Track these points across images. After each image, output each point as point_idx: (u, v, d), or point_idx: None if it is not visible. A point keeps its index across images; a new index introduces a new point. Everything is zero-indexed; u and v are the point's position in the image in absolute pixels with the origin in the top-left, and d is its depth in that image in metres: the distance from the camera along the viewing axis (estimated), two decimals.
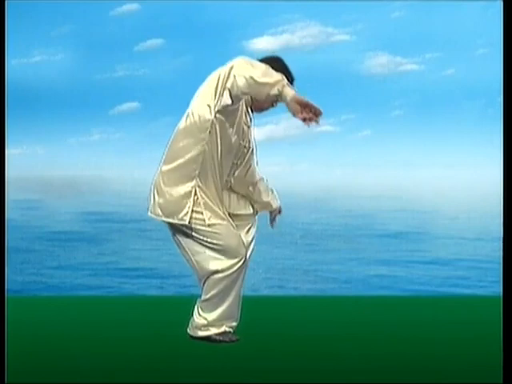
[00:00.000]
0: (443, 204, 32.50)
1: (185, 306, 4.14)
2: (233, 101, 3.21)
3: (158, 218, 3.47)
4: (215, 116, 3.27)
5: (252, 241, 3.60)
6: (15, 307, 3.76)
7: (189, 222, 3.39)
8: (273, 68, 3.18)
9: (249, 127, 3.49)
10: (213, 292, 3.50)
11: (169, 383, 3.16)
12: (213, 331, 3.52)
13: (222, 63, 3.33)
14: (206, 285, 3.52)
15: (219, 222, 3.43)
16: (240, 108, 3.36)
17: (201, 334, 3.55)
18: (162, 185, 3.42)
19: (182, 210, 3.39)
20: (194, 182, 3.37)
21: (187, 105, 3.45)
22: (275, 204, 3.70)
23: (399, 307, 4.65)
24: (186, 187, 3.37)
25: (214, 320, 3.52)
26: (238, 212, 3.57)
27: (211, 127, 3.29)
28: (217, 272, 3.46)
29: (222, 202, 3.48)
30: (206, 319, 3.53)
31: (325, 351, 3.57)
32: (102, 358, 3.44)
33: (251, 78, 3.05)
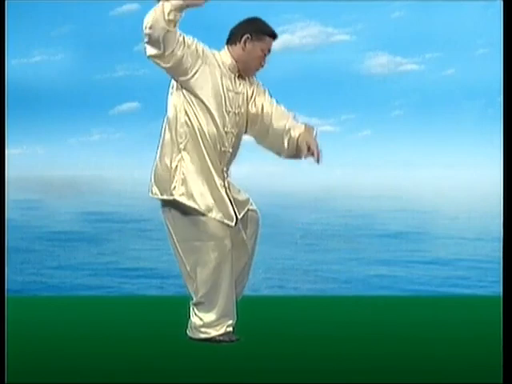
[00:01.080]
0: (443, 204, 32.49)
1: (185, 306, 4.13)
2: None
3: (153, 196, 3.48)
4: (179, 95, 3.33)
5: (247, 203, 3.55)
6: (15, 307, 3.76)
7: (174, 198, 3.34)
8: (242, 24, 3.37)
9: (237, 93, 3.40)
10: (203, 291, 3.46)
11: (169, 383, 3.16)
12: (213, 333, 3.48)
13: None
14: (193, 285, 3.49)
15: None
16: (210, 78, 3.31)
17: (201, 336, 3.51)
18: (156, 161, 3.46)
19: (171, 185, 3.36)
20: (180, 155, 3.34)
21: None
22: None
23: (399, 307, 4.65)
24: (174, 161, 3.35)
25: (212, 321, 3.47)
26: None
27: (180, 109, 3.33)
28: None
29: (218, 174, 3.40)
30: (201, 319, 3.49)
31: (325, 351, 3.57)
32: (101, 358, 3.44)
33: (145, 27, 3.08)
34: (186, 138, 3.30)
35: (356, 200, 34.00)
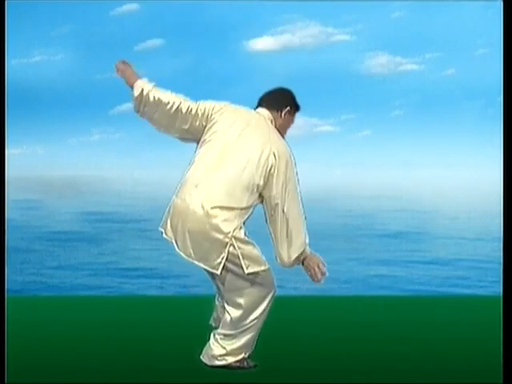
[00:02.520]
0: (443, 204, 32.50)
1: (185, 306, 4.15)
2: None
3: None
4: None
5: None
6: (15, 307, 3.76)
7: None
8: (279, 95, 3.38)
9: None
10: (241, 328, 3.30)
11: (169, 383, 3.16)
12: (230, 360, 3.31)
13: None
14: (232, 319, 3.29)
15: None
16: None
17: (218, 363, 3.32)
18: None
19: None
20: None
21: None
22: None
23: (399, 307, 4.65)
24: None
25: (234, 349, 3.32)
26: None
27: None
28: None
29: None
30: (224, 349, 3.32)
31: (325, 351, 3.57)
32: (102, 358, 3.45)
33: None
34: None
35: (356, 200, 34.02)
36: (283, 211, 3.24)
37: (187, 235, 3.24)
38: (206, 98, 3.41)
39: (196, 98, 3.40)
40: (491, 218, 17.27)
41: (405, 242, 18.55)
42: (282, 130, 3.39)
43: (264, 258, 3.26)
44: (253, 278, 3.22)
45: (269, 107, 3.37)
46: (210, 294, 3.62)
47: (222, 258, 3.16)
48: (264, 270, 3.23)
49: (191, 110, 3.31)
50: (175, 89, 3.44)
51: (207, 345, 3.36)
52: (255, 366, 3.32)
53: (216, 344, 3.32)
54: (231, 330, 3.29)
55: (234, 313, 3.27)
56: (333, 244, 17.68)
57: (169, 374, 3.23)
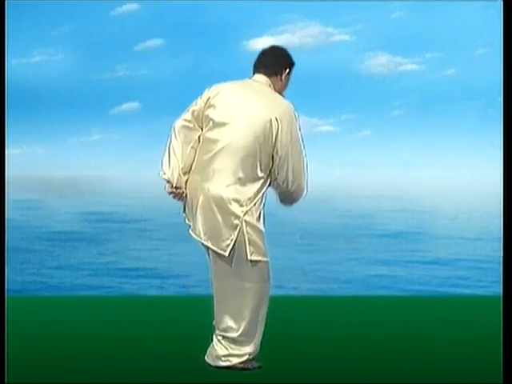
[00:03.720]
0: (443, 204, 32.48)
1: (185, 306, 4.15)
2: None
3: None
4: None
5: None
6: (15, 307, 3.77)
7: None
8: (275, 57, 3.30)
9: None
10: (250, 328, 3.29)
11: (169, 383, 3.16)
12: (234, 361, 3.30)
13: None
14: (240, 322, 3.27)
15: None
16: None
17: (222, 364, 3.31)
18: None
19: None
20: None
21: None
22: None
23: (399, 307, 4.65)
24: None
25: (238, 351, 3.31)
26: None
27: None
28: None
29: None
30: (228, 349, 3.31)
31: (325, 351, 3.57)
32: (101, 358, 3.45)
33: None
34: None
35: (356, 200, 34.00)
36: (287, 167, 3.22)
37: (199, 215, 3.23)
38: None
39: (196, 97, 3.39)
40: (491, 217, 17.26)
41: (405, 242, 18.54)
42: (281, 92, 3.34)
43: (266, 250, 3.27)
44: (252, 267, 3.21)
45: (266, 73, 3.31)
46: (209, 294, 3.62)
47: (231, 241, 3.16)
48: (265, 262, 3.25)
49: (197, 115, 3.29)
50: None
51: (211, 345, 3.36)
52: (260, 367, 3.31)
53: (219, 345, 3.32)
54: (233, 333, 3.29)
55: (234, 316, 3.27)
56: (333, 244, 17.68)
57: (169, 374, 3.23)
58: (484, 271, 13.32)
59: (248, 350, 3.32)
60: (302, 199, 3.35)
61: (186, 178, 3.26)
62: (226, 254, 3.18)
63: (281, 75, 3.32)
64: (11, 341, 3.13)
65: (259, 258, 3.21)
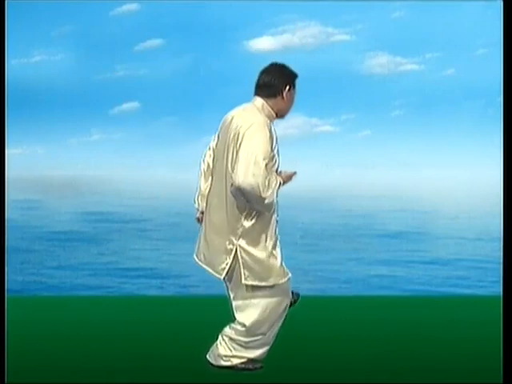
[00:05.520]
0: (443, 204, 32.46)
1: (185, 306, 4.14)
2: None
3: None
4: None
5: None
6: (15, 307, 3.76)
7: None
8: (273, 78, 3.26)
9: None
10: (252, 338, 3.31)
11: (169, 383, 3.16)
12: (235, 362, 3.33)
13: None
14: (241, 327, 3.31)
15: None
16: None
17: (223, 363, 3.34)
18: None
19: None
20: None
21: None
22: None
23: (399, 307, 4.65)
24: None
25: (241, 353, 3.34)
26: None
27: None
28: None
29: None
30: (231, 350, 3.33)
31: (325, 351, 3.57)
32: (102, 358, 3.45)
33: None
34: None
35: (356, 200, 33.98)
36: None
37: (203, 240, 3.35)
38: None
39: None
40: (491, 217, 17.24)
41: (405, 242, 18.53)
42: (287, 108, 3.32)
43: (276, 273, 3.26)
44: (254, 290, 3.25)
45: (264, 95, 3.29)
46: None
47: (226, 265, 3.22)
48: (266, 286, 3.24)
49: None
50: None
51: (214, 344, 3.37)
52: (261, 367, 3.32)
53: (223, 344, 3.34)
54: (241, 336, 3.31)
55: (242, 321, 3.30)
56: (333, 244, 17.68)
57: (169, 374, 3.23)
58: (484, 271, 13.32)
59: (252, 355, 3.33)
60: (255, 195, 3.08)
61: (203, 204, 3.38)
62: (222, 277, 3.25)
63: (281, 94, 3.27)
64: (11, 341, 3.13)
65: (255, 283, 3.22)
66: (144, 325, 4.02)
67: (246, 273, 3.20)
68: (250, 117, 3.20)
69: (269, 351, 3.39)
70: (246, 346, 3.31)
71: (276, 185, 3.13)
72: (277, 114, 3.30)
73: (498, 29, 3.10)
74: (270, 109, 3.27)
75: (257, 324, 3.27)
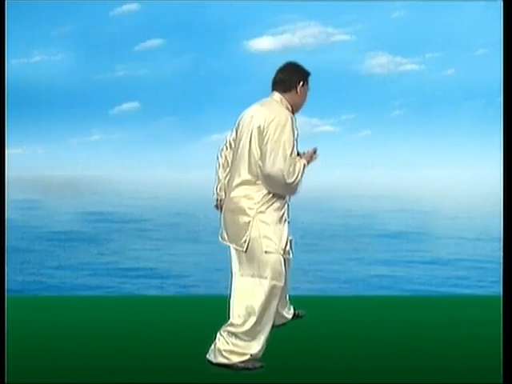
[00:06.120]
0: (443, 204, 32.49)
1: (185, 306, 4.14)
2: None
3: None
4: None
5: None
6: (15, 307, 3.76)
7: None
8: (289, 74, 3.56)
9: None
10: (250, 326, 3.35)
11: (169, 383, 3.16)
12: (234, 359, 3.34)
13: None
14: (242, 316, 3.35)
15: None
16: None
17: (222, 360, 3.35)
18: None
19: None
20: None
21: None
22: None
23: (399, 307, 4.65)
24: None
25: (240, 349, 3.34)
26: None
27: None
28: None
29: None
30: (229, 345, 3.34)
31: (325, 351, 3.57)
32: (101, 358, 3.45)
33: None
34: None
35: (356, 200, 34.01)
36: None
37: (223, 220, 3.54)
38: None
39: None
40: (491, 217, 17.26)
41: (405, 242, 18.55)
42: (302, 102, 3.61)
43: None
44: (267, 261, 3.39)
45: (281, 90, 3.57)
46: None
47: (247, 237, 3.39)
48: (278, 258, 3.44)
49: (232, 140, 3.63)
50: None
51: (214, 342, 3.39)
52: (261, 366, 3.32)
53: (222, 339, 3.37)
54: (238, 328, 3.34)
55: (244, 311, 3.35)
56: (333, 244, 17.69)
57: (169, 374, 3.23)
58: (484, 271, 13.33)
59: (250, 350, 3.34)
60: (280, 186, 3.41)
61: (222, 192, 3.64)
62: (244, 249, 3.40)
63: (296, 89, 3.56)
64: (11, 341, 3.13)
65: (273, 250, 3.41)
66: (144, 325, 4.02)
67: (266, 242, 3.39)
68: (273, 109, 3.47)
69: (268, 351, 3.39)
70: (243, 338, 3.33)
71: (301, 169, 3.38)
72: (292, 108, 3.57)
73: (497, 29, 3.10)
74: (287, 102, 3.56)
75: (256, 306, 3.34)
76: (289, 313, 4.00)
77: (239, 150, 3.50)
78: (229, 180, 3.58)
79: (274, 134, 3.36)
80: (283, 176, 3.32)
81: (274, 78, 3.60)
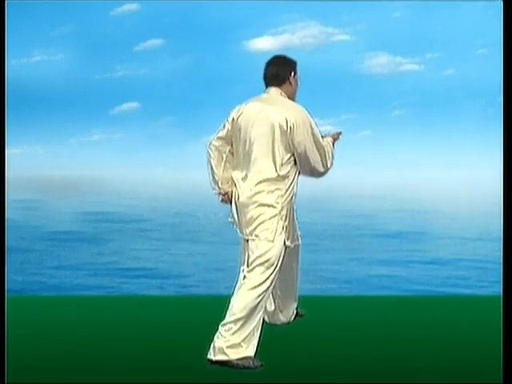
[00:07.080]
0: (443, 204, 32.47)
1: (185, 306, 4.14)
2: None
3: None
4: None
5: None
6: (15, 307, 3.76)
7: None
8: (279, 66, 3.66)
9: None
10: (247, 309, 3.39)
11: (169, 383, 3.16)
12: (232, 356, 3.34)
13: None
14: (239, 301, 3.41)
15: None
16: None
17: (221, 357, 3.35)
18: None
19: None
20: None
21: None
22: None
23: (399, 307, 4.65)
24: None
25: (237, 342, 3.35)
26: None
27: None
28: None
29: None
30: (228, 341, 3.35)
31: (325, 351, 3.57)
32: (101, 358, 3.45)
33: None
34: None
35: (356, 200, 34.01)
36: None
37: (241, 215, 3.59)
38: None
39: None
40: (491, 218, 17.25)
41: (405, 242, 18.54)
42: (295, 91, 3.73)
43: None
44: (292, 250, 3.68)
45: (277, 83, 3.68)
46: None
47: (273, 231, 3.52)
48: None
49: (226, 135, 3.67)
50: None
51: (213, 342, 3.39)
52: (261, 365, 3.32)
53: (220, 337, 3.37)
54: (232, 317, 3.36)
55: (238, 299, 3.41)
56: (333, 244, 17.69)
57: (169, 374, 3.23)
58: (484, 271, 13.33)
59: (245, 344, 3.37)
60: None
61: (226, 186, 3.66)
62: (274, 242, 3.51)
63: (288, 80, 3.69)
64: (11, 341, 3.13)
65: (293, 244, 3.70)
66: (144, 325, 4.02)
67: (285, 234, 3.57)
68: (288, 107, 3.59)
69: (268, 351, 3.39)
70: (238, 331, 3.35)
71: (333, 151, 3.71)
72: (289, 98, 3.68)
73: (497, 29, 3.10)
74: (285, 95, 3.67)
75: (252, 295, 3.40)
76: (286, 316, 4.00)
77: (251, 146, 3.55)
78: (239, 174, 3.60)
79: (308, 133, 3.52)
80: (328, 170, 3.68)
81: (265, 73, 3.70)
